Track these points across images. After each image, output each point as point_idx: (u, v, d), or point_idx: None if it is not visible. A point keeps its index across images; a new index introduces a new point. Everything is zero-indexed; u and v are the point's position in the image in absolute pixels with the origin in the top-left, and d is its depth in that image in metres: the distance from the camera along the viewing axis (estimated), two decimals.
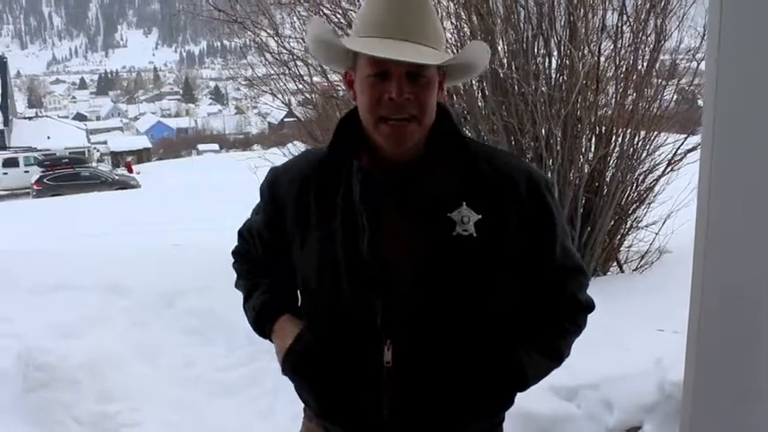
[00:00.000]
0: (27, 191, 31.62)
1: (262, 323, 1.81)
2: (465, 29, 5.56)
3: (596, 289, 5.53)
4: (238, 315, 4.89)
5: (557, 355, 1.77)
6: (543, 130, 5.16)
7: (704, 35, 5.39)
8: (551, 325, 1.74)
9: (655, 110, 5.83)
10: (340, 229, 1.62)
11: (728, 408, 1.59)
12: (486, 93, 5.39)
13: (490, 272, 1.61)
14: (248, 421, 3.53)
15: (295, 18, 7.21)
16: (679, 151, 5.71)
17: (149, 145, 63.48)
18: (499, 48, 5.37)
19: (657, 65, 5.93)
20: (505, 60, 5.41)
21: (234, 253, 1.97)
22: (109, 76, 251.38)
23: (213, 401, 3.97)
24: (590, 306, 1.79)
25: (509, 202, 1.61)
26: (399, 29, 1.55)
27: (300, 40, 6.90)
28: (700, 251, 1.63)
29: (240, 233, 1.95)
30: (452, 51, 5.37)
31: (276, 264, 1.80)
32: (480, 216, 1.58)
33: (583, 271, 1.78)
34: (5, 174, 35.30)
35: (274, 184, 1.76)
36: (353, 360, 1.63)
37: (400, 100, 1.53)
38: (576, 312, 1.76)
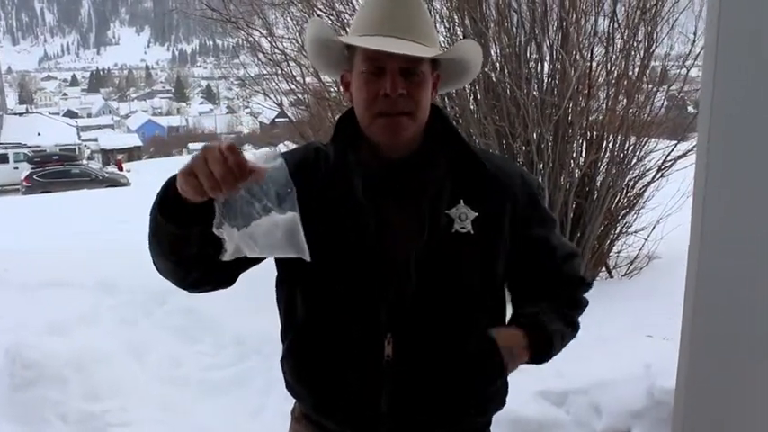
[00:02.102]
0: (16, 187, 31.47)
1: (165, 188, 1.45)
2: (458, 32, 5.57)
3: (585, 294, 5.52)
4: (227, 315, 4.89)
5: (573, 323, 1.79)
6: (535, 135, 5.16)
7: (694, 42, 5.42)
8: (563, 297, 1.79)
9: (645, 115, 5.85)
10: (344, 224, 1.60)
11: (721, 416, 1.59)
12: (479, 96, 5.40)
13: (487, 269, 1.65)
14: (237, 420, 3.52)
15: (288, 18, 7.21)
16: (669, 157, 5.73)
17: (140, 143, 63.34)
18: (492, 52, 5.38)
19: (648, 71, 5.95)
20: (498, 65, 5.41)
21: None
22: (101, 73, 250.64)
23: (202, 401, 3.96)
24: (589, 283, 1.86)
25: (504, 202, 1.66)
26: (393, 26, 1.58)
27: (293, 41, 6.91)
28: (693, 258, 1.62)
29: None
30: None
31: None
32: (477, 214, 1.61)
33: (577, 254, 1.86)
34: None
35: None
36: (354, 354, 1.62)
37: (394, 95, 1.55)
38: (579, 287, 1.82)
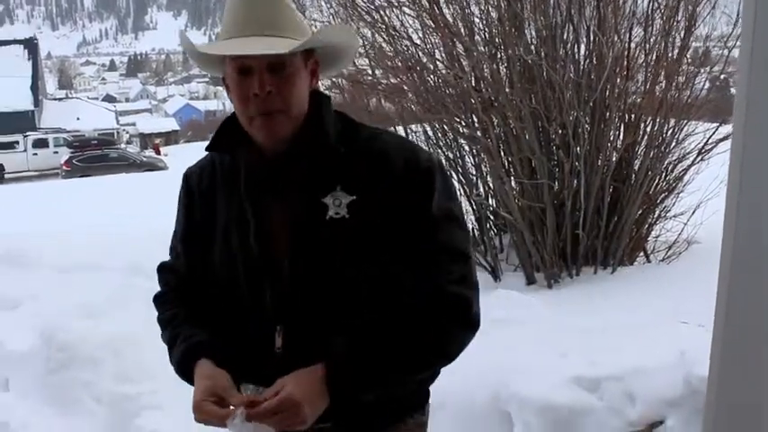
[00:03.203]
0: (56, 171, 31.93)
1: (184, 375, 1.70)
2: (492, 13, 5.53)
3: (622, 279, 5.51)
4: None
5: (418, 350, 1.61)
6: (571, 118, 5.12)
7: (737, 22, 5.32)
8: (416, 312, 1.61)
9: (685, 98, 5.78)
10: (232, 225, 1.68)
11: (754, 405, 1.56)
12: (514, 80, 5.36)
13: (366, 251, 1.60)
14: None
15: (322, 2, 7.21)
16: (710, 141, 5.65)
17: (177, 127, 63.79)
18: (527, 33, 5.34)
19: (689, 52, 5.87)
20: (533, 47, 5.37)
21: (154, 300, 1.90)
22: (138, 58, 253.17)
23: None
24: (460, 303, 1.63)
25: (381, 181, 1.60)
26: (253, 24, 1.60)
27: (327, 23, 6.90)
28: (728, 243, 1.59)
29: (159, 269, 1.94)
30: (482, 45, 5.31)
31: (196, 290, 1.79)
32: (354, 197, 1.59)
33: (463, 258, 1.66)
34: (35, 154, 35.66)
35: (188, 179, 1.82)
36: (251, 346, 1.67)
37: (263, 94, 1.56)
38: (439, 305, 1.60)
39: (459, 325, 1.63)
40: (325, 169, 1.63)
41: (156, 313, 1.87)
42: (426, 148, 1.72)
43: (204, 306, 1.76)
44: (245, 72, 1.58)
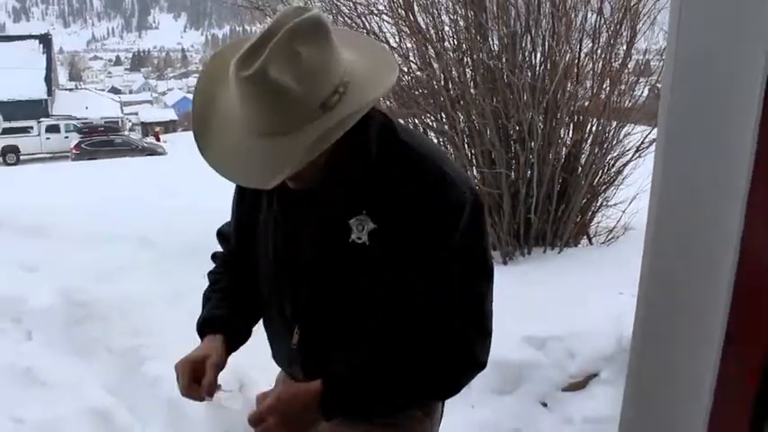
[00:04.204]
0: (66, 154, 31.58)
1: (199, 335, 1.71)
2: (460, 23, 5.58)
3: (568, 258, 5.58)
4: None
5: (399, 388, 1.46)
6: (527, 116, 5.20)
7: None
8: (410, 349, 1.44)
9: (626, 102, 5.87)
10: (266, 225, 1.59)
11: (670, 358, 1.67)
12: (478, 81, 5.43)
13: (381, 277, 1.43)
14: (262, 358, 3.58)
15: (313, 6, 7.21)
16: (645, 140, 5.75)
17: (176, 117, 63.08)
18: (490, 41, 5.40)
19: (630, 63, 5.96)
20: (495, 53, 5.43)
21: (212, 257, 1.88)
22: (141, 54, 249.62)
23: None
24: (475, 307, 1.45)
25: (403, 214, 1.39)
26: (253, 127, 1.31)
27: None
28: (650, 228, 1.70)
29: (218, 233, 1.87)
30: (451, 50, 5.31)
31: (241, 266, 1.73)
32: (376, 226, 1.40)
33: (476, 331, 1.45)
34: (48, 138, 35.31)
35: None
36: (277, 337, 1.69)
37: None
38: (451, 307, 1.43)
39: (474, 328, 1.45)
40: (355, 191, 1.43)
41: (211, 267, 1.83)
42: (465, 183, 1.42)
43: (244, 283, 1.70)
44: None
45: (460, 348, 1.43)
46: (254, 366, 3.50)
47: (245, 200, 1.66)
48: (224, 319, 1.68)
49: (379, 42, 1.59)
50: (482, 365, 1.48)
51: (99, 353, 3.66)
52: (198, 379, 1.55)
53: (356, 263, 1.43)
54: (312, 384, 1.44)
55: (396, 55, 6.05)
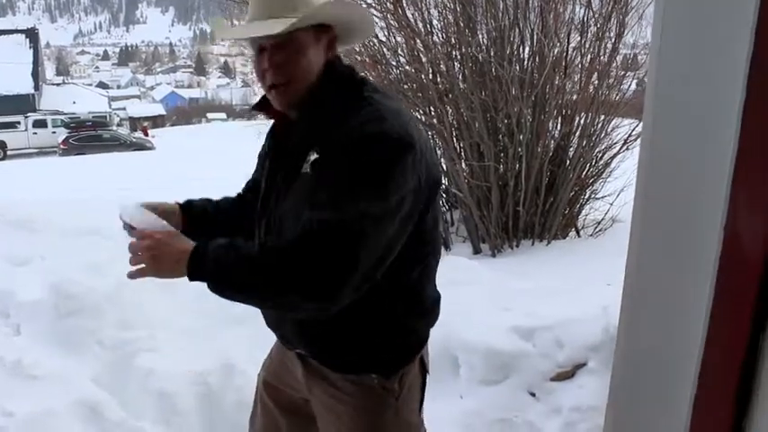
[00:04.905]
0: (54, 149, 31.35)
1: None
2: (449, 16, 5.59)
3: (556, 250, 5.62)
4: None
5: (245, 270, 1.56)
6: (515, 109, 5.22)
7: None
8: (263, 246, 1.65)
9: (614, 96, 5.90)
10: (261, 170, 1.87)
11: (654, 348, 1.70)
12: (467, 75, 5.44)
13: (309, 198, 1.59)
14: (253, 347, 3.58)
15: None
16: (633, 133, 5.79)
17: (164, 112, 62.81)
18: (479, 35, 5.42)
19: (618, 57, 5.99)
20: (484, 47, 5.45)
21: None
22: (129, 49, 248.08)
23: (223, 331, 4.03)
24: (278, 249, 1.54)
25: (335, 148, 1.54)
26: (263, 8, 1.65)
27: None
28: (637, 220, 1.72)
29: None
30: (440, 43, 5.32)
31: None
32: (317, 156, 1.58)
33: (326, 230, 1.48)
34: (35, 134, 35.03)
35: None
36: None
37: (271, 68, 1.64)
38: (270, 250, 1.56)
39: (342, 249, 1.47)
40: (314, 131, 1.62)
41: None
42: (407, 131, 1.54)
43: (235, 205, 2.02)
44: (260, 50, 1.65)
45: (324, 258, 1.46)
46: (242, 355, 3.52)
47: (263, 151, 1.91)
48: (197, 203, 1.99)
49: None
50: (332, 288, 1.47)
51: (89, 346, 3.64)
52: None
53: (304, 190, 1.58)
54: (190, 243, 1.60)
55: (384, 49, 6.07)
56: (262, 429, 2.14)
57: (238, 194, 2.06)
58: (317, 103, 1.66)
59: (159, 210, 1.86)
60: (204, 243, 1.57)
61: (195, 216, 1.96)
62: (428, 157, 1.61)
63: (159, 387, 3.36)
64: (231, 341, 3.79)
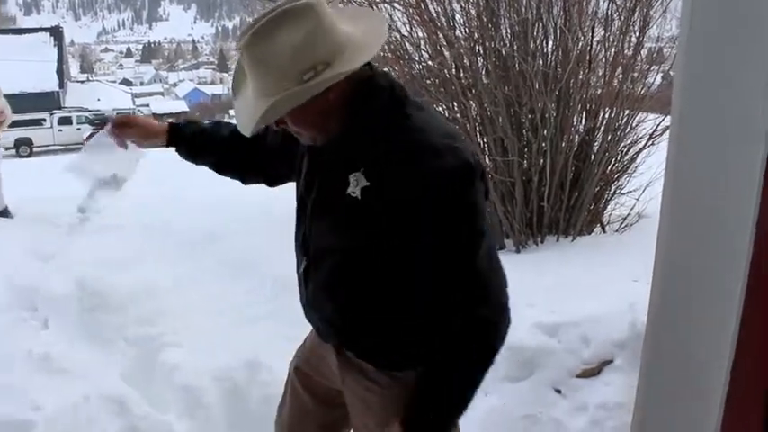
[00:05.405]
0: (79, 146, 31.58)
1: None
2: (471, 10, 5.56)
3: (581, 246, 5.57)
4: (267, 257, 4.96)
5: (452, 386, 1.66)
6: (539, 104, 5.18)
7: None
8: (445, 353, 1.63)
9: (639, 90, 5.85)
10: (297, 179, 1.84)
11: (683, 345, 1.68)
12: (490, 70, 5.41)
13: (368, 234, 1.60)
14: (271, 346, 3.60)
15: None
16: (659, 128, 5.73)
17: (187, 109, 63.39)
18: (502, 29, 5.39)
19: (644, 50, 5.93)
20: (507, 41, 5.42)
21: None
22: (152, 46, 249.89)
23: (241, 329, 4.06)
24: (484, 325, 1.62)
25: (389, 180, 1.54)
26: (248, 92, 1.62)
27: None
28: (665, 215, 1.70)
29: None
30: (462, 38, 5.28)
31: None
32: (368, 184, 1.56)
33: (482, 298, 1.60)
34: (60, 131, 35.47)
35: None
36: (298, 273, 1.87)
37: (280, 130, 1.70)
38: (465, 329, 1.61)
39: (475, 300, 1.60)
40: (355, 151, 1.60)
41: None
42: (455, 156, 1.53)
43: (232, 141, 2.06)
44: None
45: (471, 322, 1.60)
46: (268, 351, 3.55)
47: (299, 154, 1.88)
48: (189, 125, 2.15)
49: (376, 13, 1.79)
50: (495, 322, 1.64)
51: (115, 341, 3.69)
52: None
53: (348, 213, 1.60)
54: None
55: (407, 44, 6.05)
56: (290, 416, 2.15)
57: (231, 133, 2.07)
58: (353, 122, 1.60)
59: (134, 126, 2.13)
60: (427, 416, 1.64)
61: (185, 136, 2.14)
62: None
63: (184, 382, 3.40)
64: (257, 338, 3.82)
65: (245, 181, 2.16)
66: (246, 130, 1.56)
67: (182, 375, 3.43)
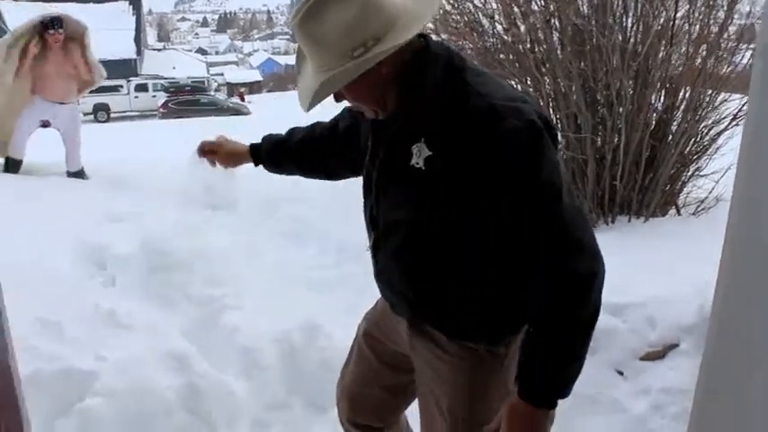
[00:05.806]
0: (154, 113, 32.55)
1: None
2: None
3: (653, 228, 5.45)
4: (331, 223, 5.01)
5: (567, 351, 1.64)
6: (615, 80, 5.06)
7: None
8: (548, 318, 1.59)
9: (725, 68, 5.64)
10: (364, 156, 1.85)
11: (749, 331, 1.63)
12: (565, 43, 5.30)
13: (436, 204, 1.61)
14: (335, 314, 3.64)
15: None
16: (744, 108, 5.53)
17: (260, 78, 64.23)
18: (579, 1, 5.26)
19: (731, 27, 5.71)
20: (585, 14, 5.30)
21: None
22: (228, 16, 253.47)
23: (305, 295, 4.11)
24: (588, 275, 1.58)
25: (452, 146, 1.56)
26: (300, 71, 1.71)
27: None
28: (737, 197, 1.64)
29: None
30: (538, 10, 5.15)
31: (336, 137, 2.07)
32: (431, 153, 1.58)
33: (573, 249, 1.56)
34: (137, 97, 36.56)
35: None
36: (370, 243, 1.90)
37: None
38: (569, 299, 1.58)
39: (562, 253, 1.56)
40: (416, 122, 1.61)
41: None
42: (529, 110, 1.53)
43: (318, 146, 2.14)
44: None
45: (566, 279, 1.55)
46: (328, 318, 3.59)
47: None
48: (265, 142, 2.24)
49: None
50: (596, 272, 1.59)
51: (178, 301, 3.78)
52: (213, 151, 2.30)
53: (414, 184, 1.62)
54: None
55: (480, 15, 5.97)
56: (353, 378, 2.18)
57: (322, 130, 2.14)
58: (410, 93, 1.61)
59: (220, 152, 2.28)
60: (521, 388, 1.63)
61: (262, 155, 2.24)
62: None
63: (243, 343, 3.47)
64: (318, 305, 3.87)
65: (331, 177, 2.22)
66: (304, 107, 1.61)
67: (242, 337, 3.50)
